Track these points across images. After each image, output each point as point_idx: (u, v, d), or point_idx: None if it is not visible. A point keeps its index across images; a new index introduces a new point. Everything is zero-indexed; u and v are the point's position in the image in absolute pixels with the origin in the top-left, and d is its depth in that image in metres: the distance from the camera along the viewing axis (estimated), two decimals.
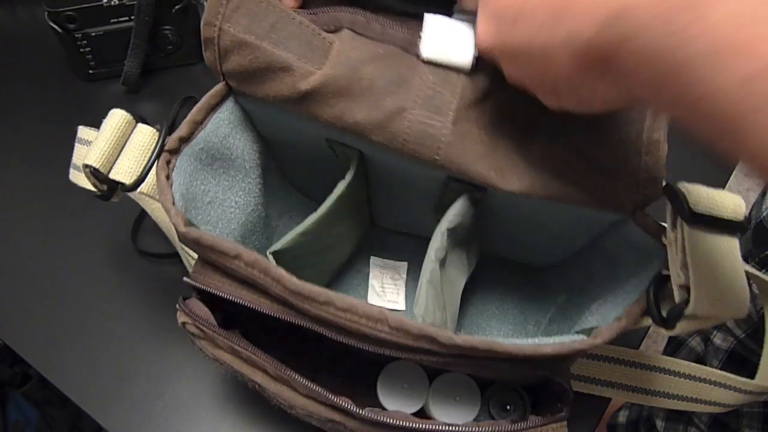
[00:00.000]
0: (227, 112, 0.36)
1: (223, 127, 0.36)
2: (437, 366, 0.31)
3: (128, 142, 0.35)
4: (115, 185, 0.35)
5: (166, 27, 0.61)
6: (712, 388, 0.39)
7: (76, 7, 0.58)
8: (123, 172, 0.35)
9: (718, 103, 0.18)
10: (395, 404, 0.36)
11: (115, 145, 0.35)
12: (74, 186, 0.56)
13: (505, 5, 0.27)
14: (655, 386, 0.39)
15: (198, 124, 0.35)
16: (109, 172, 0.35)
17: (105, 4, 0.58)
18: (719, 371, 0.39)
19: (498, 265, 0.48)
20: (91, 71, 0.63)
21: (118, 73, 0.62)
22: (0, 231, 0.54)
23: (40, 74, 0.65)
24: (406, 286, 0.48)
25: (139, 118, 0.36)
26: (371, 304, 0.29)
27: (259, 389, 0.35)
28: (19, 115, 0.62)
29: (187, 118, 0.34)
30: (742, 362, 0.62)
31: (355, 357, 0.39)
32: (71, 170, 0.39)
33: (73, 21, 0.58)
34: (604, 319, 0.33)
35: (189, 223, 0.32)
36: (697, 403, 0.39)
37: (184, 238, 0.31)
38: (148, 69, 0.64)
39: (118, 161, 0.35)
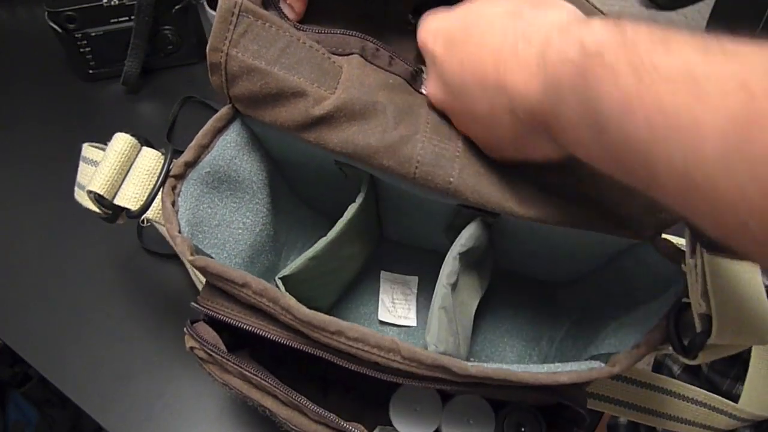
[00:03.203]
0: (234, 134, 0.36)
1: (229, 149, 0.35)
2: (451, 392, 0.31)
3: (133, 167, 0.34)
4: (120, 211, 0.34)
5: (166, 27, 0.61)
6: (717, 415, 0.38)
7: (76, 7, 0.57)
8: (128, 197, 0.34)
9: (630, 146, 0.21)
10: (408, 427, 0.35)
11: (119, 170, 0.34)
12: (74, 186, 0.56)
13: (450, 74, 0.30)
14: (666, 410, 0.39)
15: (204, 148, 0.34)
16: (113, 197, 0.34)
17: (105, 4, 0.58)
18: (725, 400, 0.38)
19: (511, 282, 0.47)
20: (91, 71, 0.63)
21: (118, 73, 0.62)
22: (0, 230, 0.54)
23: (40, 74, 0.65)
24: (417, 301, 0.47)
25: (144, 141, 0.35)
26: (382, 335, 0.29)
27: (269, 414, 0.35)
28: (20, 115, 0.62)
29: (193, 143, 0.34)
30: (731, 359, 0.62)
31: (367, 375, 0.39)
32: (76, 189, 0.38)
33: (73, 21, 0.58)
34: (622, 344, 0.33)
35: (196, 251, 0.31)
36: (702, 428, 0.39)
37: (191, 266, 0.31)
38: (148, 69, 0.64)
39: (122, 186, 0.34)
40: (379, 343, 0.28)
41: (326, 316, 0.29)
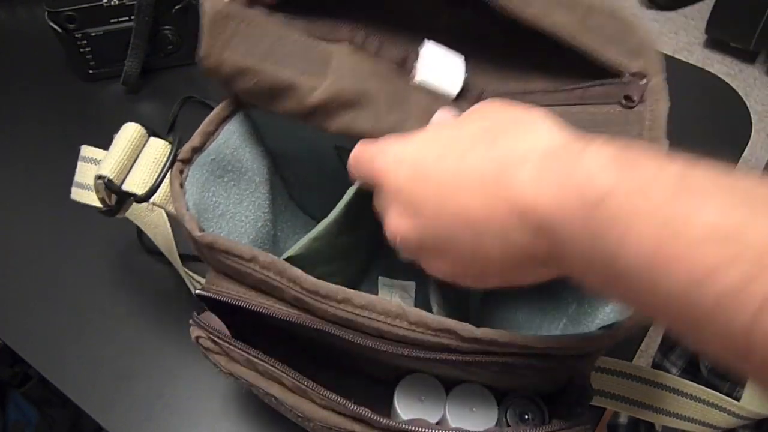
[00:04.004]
0: (237, 124, 0.37)
1: (233, 138, 0.37)
2: (453, 368, 0.31)
3: (141, 155, 0.36)
4: (127, 197, 0.36)
5: (166, 27, 0.61)
6: (717, 412, 0.38)
7: (76, 7, 0.58)
8: (136, 183, 0.35)
9: (669, 306, 0.18)
10: (413, 416, 0.35)
11: (128, 157, 0.35)
12: None
13: (423, 205, 0.26)
14: (665, 406, 0.39)
15: (210, 135, 0.35)
16: (122, 184, 0.35)
17: (105, 4, 0.58)
18: (725, 396, 0.38)
19: None
20: (91, 71, 0.63)
21: (118, 73, 0.62)
22: (0, 230, 0.54)
23: (40, 74, 0.65)
24: (414, 306, 0.48)
25: (152, 132, 0.36)
26: (389, 300, 0.29)
27: (276, 403, 0.35)
28: (20, 115, 0.62)
29: (199, 129, 0.35)
30: None
31: (368, 376, 0.38)
32: (74, 189, 0.39)
33: (73, 21, 0.58)
34: (622, 315, 0.33)
35: (202, 229, 0.32)
36: (701, 426, 0.39)
37: (198, 243, 0.31)
38: (148, 69, 0.64)
39: (130, 173, 0.35)
40: (386, 309, 0.29)
41: (333, 285, 0.29)
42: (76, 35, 0.59)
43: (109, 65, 0.63)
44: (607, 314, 0.36)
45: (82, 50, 0.61)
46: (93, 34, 0.60)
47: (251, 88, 0.34)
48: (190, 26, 0.62)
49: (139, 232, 0.53)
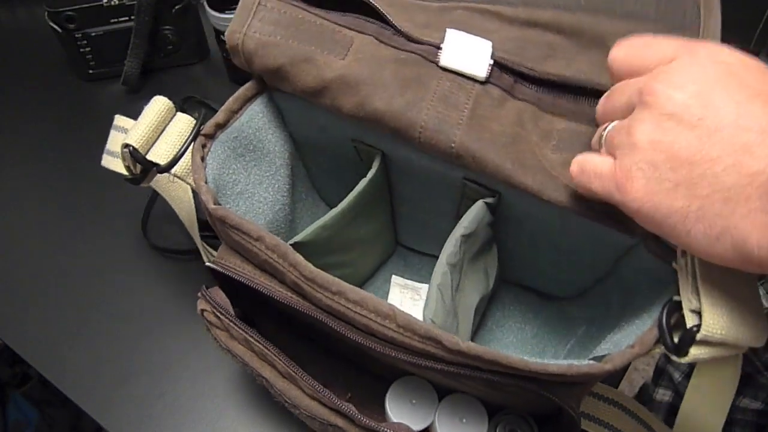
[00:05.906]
0: (261, 105, 0.38)
1: (256, 119, 0.37)
2: (443, 377, 0.31)
3: (167, 128, 0.37)
4: (151, 166, 0.37)
5: (166, 27, 0.61)
6: None
7: (76, 7, 0.58)
8: (160, 154, 0.36)
9: None
10: (403, 419, 0.35)
11: (154, 129, 0.36)
12: (75, 186, 0.56)
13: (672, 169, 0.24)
14: None
15: (234, 113, 0.36)
16: (146, 153, 0.37)
17: (105, 4, 0.58)
18: None
19: (519, 294, 0.47)
20: (91, 71, 0.63)
21: (118, 73, 0.62)
22: (0, 231, 0.54)
23: (40, 74, 0.65)
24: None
25: (179, 107, 0.37)
26: (382, 301, 0.29)
27: (266, 385, 0.35)
28: (19, 115, 0.62)
29: (224, 106, 0.36)
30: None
31: (365, 373, 0.39)
32: (105, 156, 0.40)
33: (73, 21, 0.58)
34: (617, 346, 0.32)
35: (218, 203, 0.33)
36: None
37: (211, 216, 0.32)
38: (148, 69, 0.64)
39: (155, 144, 0.37)
40: (377, 308, 0.29)
41: (330, 276, 0.30)
42: (76, 35, 0.60)
43: (109, 65, 0.63)
44: (610, 337, 0.35)
45: (82, 50, 0.61)
46: (93, 34, 0.60)
47: (270, 63, 0.35)
48: (190, 26, 0.62)
49: (145, 223, 0.53)
